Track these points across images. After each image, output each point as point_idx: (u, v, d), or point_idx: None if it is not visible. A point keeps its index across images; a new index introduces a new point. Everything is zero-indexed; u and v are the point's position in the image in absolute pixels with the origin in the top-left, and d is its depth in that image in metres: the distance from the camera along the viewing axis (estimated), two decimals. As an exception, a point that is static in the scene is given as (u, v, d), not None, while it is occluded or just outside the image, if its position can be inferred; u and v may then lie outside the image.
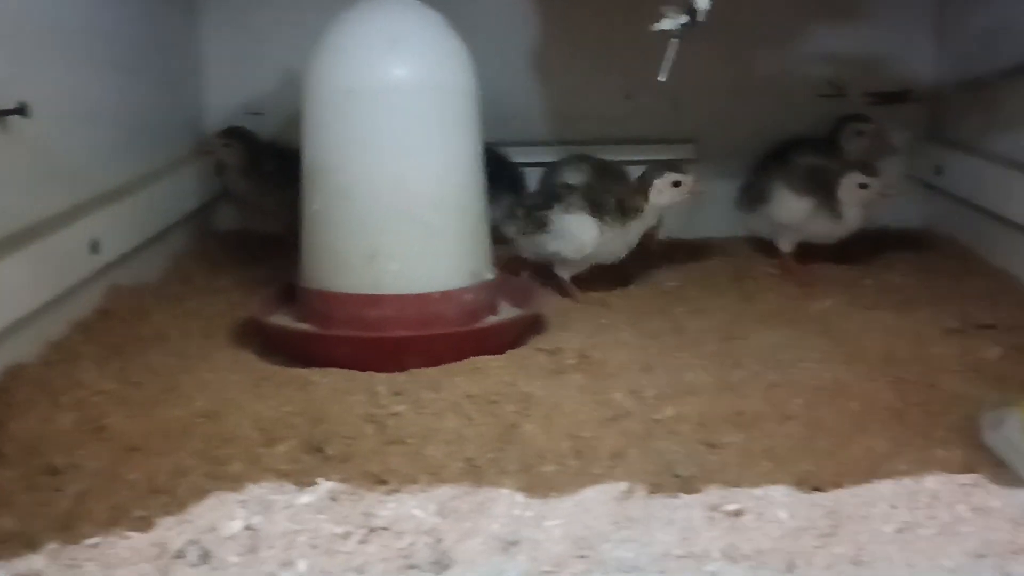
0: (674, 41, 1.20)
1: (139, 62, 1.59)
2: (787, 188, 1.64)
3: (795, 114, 1.87)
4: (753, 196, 1.71)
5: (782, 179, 1.65)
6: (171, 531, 0.82)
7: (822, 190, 1.61)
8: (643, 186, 1.52)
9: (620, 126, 1.89)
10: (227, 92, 1.87)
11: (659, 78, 1.21)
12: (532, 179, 1.79)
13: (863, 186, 1.57)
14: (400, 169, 1.25)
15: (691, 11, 1.17)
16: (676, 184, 1.52)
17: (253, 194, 1.80)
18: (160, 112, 1.68)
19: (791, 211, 1.63)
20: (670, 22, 1.19)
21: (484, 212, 1.32)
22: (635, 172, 1.73)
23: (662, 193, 1.52)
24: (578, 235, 1.50)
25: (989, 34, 1.69)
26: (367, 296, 1.25)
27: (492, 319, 1.32)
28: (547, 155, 1.83)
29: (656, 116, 1.88)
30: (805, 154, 1.78)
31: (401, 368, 1.20)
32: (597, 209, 1.51)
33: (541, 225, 1.52)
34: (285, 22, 1.80)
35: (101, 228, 1.33)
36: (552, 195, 1.55)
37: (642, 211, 1.52)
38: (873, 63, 1.89)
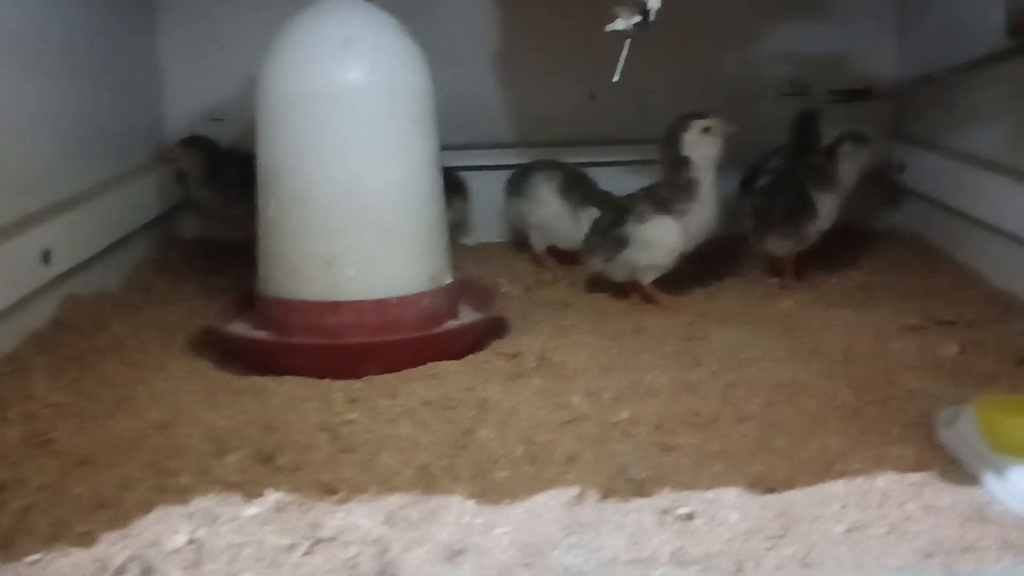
0: (628, 41, 1.19)
1: (94, 69, 1.58)
2: (827, 192, 1.57)
3: (759, 113, 1.87)
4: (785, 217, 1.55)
5: (816, 187, 1.56)
6: (114, 546, 0.81)
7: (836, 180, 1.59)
8: (675, 150, 1.44)
9: (584, 127, 1.89)
10: (187, 98, 1.85)
11: (613, 79, 1.21)
12: (499, 181, 1.78)
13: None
14: (355, 173, 1.24)
15: (644, 11, 1.17)
16: (707, 130, 1.44)
17: (215, 203, 1.78)
18: (118, 119, 1.66)
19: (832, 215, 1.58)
20: (623, 22, 1.19)
21: (442, 215, 1.31)
22: (599, 174, 1.76)
23: (697, 146, 1.44)
24: (664, 239, 1.45)
25: (949, 32, 1.69)
26: (324, 303, 1.24)
27: (452, 323, 1.31)
28: (511, 157, 1.82)
29: (620, 117, 1.88)
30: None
31: (359, 375, 1.19)
32: (664, 204, 1.45)
33: (622, 244, 1.46)
34: (245, 27, 1.78)
35: (53, 238, 1.31)
36: (619, 210, 1.49)
37: (694, 177, 1.44)
38: (835, 61, 1.89)
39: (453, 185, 1.75)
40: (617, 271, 1.50)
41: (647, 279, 1.49)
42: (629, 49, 1.19)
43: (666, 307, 1.48)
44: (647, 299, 1.50)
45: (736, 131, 1.47)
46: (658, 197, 1.48)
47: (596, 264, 1.51)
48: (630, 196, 1.52)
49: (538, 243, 1.71)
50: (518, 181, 1.71)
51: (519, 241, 1.79)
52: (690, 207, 1.46)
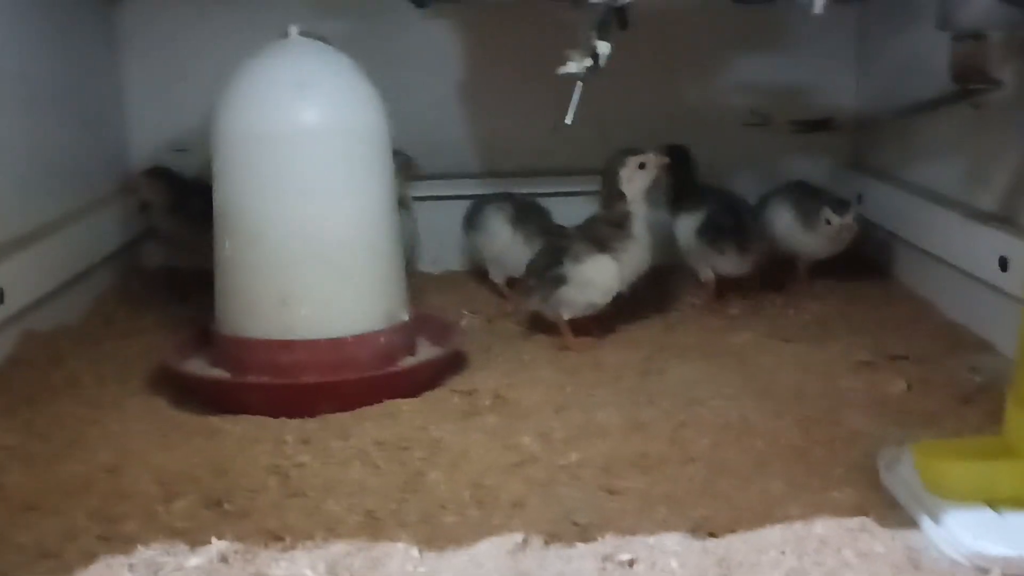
0: (579, 84, 1.21)
1: (55, 101, 1.58)
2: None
3: (721, 143, 1.89)
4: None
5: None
6: (55, 599, 0.81)
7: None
8: (613, 186, 1.47)
9: (546, 157, 1.90)
10: (151, 129, 1.86)
11: (566, 121, 1.23)
12: (462, 211, 1.79)
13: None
14: (310, 213, 1.25)
15: (595, 56, 1.19)
16: (642, 166, 1.47)
17: (180, 232, 1.78)
18: (80, 151, 1.66)
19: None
20: (575, 66, 1.21)
21: (398, 253, 1.32)
22: (562, 204, 1.78)
23: (633, 181, 1.47)
24: (601, 278, 1.46)
25: (906, 65, 1.72)
26: (279, 341, 1.25)
27: (408, 361, 1.31)
28: (475, 188, 1.84)
29: (582, 147, 1.88)
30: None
31: (314, 414, 1.19)
32: (601, 243, 1.46)
33: (560, 283, 1.45)
34: (208, 58, 1.78)
35: (8, 276, 1.31)
36: (556, 250, 1.48)
37: (630, 213, 1.47)
38: (797, 93, 1.92)
39: None
40: (551, 309, 1.48)
41: (568, 315, 1.47)
42: (580, 91, 1.21)
43: (571, 345, 1.46)
44: (558, 330, 1.48)
45: (666, 166, 1.50)
46: (594, 236, 1.48)
47: (534, 304, 1.50)
48: (564, 235, 1.53)
49: (496, 275, 1.72)
50: (472, 214, 1.73)
51: (481, 272, 1.80)
52: (625, 245, 1.47)
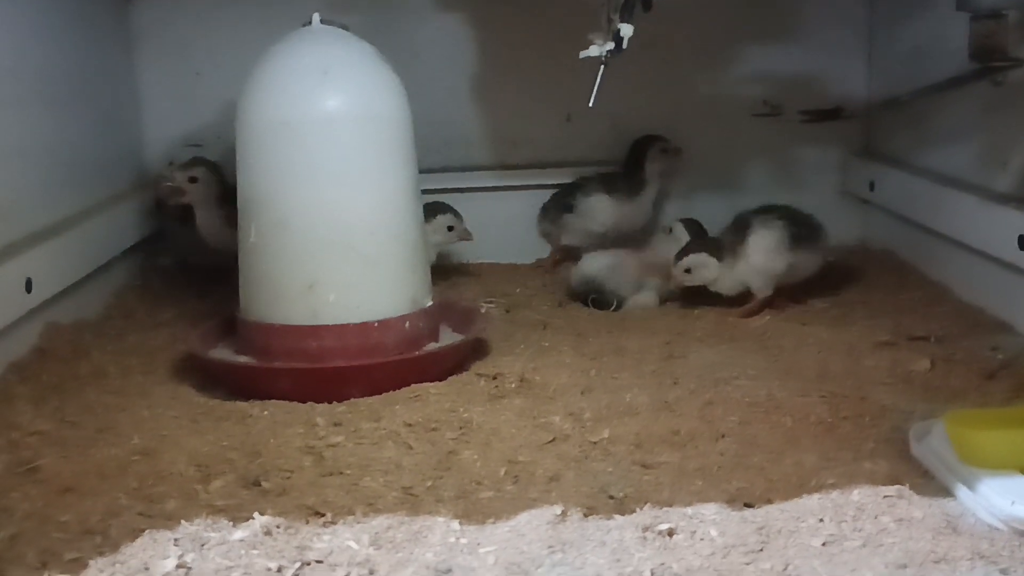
0: (602, 67, 1.22)
1: (74, 97, 1.58)
2: None
3: (732, 134, 1.91)
4: None
5: None
6: (103, 572, 0.82)
7: None
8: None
9: (561, 149, 1.91)
10: (167, 125, 1.86)
11: (589, 104, 1.24)
12: (477, 203, 1.80)
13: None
14: (335, 199, 1.25)
15: (617, 38, 1.20)
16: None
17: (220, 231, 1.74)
18: (98, 147, 1.67)
19: None
20: (597, 49, 1.22)
21: (421, 239, 1.33)
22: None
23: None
24: None
25: (917, 53, 1.73)
26: (306, 327, 1.25)
27: (433, 346, 1.32)
28: (490, 180, 1.85)
29: (596, 139, 1.90)
30: None
31: (342, 398, 1.20)
32: None
33: None
34: (222, 54, 1.80)
35: (35, 266, 1.32)
36: None
37: None
38: (806, 82, 1.93)
39: None
40: None
41: None
42: (603, 75, 1.22)
43: None
44: None
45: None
46: None
47: None
48: None
49: None
50: None
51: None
52: None
